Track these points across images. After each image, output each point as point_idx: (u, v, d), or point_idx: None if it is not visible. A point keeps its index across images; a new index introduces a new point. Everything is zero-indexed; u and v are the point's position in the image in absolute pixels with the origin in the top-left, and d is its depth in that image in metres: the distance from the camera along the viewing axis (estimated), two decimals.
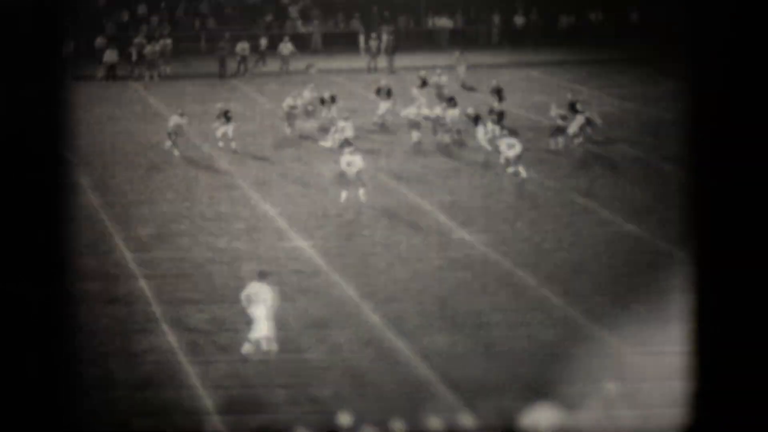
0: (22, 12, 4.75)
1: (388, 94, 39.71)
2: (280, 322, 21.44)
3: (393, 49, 51.67)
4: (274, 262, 25.41)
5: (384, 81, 41.31)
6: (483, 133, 34.79)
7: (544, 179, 32.68)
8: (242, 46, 50.95)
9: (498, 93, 39.29)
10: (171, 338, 21.22)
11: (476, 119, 35.31)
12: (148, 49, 50.34)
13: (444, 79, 43.10)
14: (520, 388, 18.73)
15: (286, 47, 51.50)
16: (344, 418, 15.08)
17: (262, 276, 20.96)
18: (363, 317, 22.26)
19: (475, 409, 17.75)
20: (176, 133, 35.47)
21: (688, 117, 5.67)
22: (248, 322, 20.64)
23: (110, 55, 49.92)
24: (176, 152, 35.18)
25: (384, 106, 39.25)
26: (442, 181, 32.61)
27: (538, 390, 16.99)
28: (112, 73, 49.67)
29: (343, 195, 30.22)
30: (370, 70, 50.81)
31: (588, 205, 29.99)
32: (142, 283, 24.28)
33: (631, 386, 17.26)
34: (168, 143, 35.50)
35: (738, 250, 5.32)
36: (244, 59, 50.67)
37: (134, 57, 50.32)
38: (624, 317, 21.98)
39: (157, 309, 22.74)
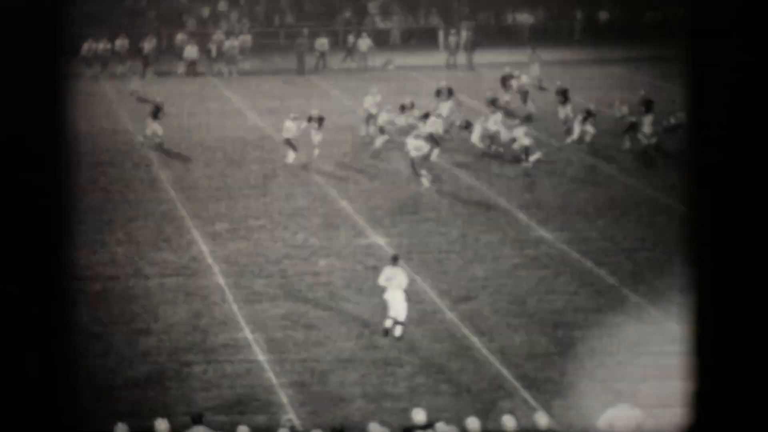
0: (20, 9, 4.64)
1: (449, 94, 38.96)
2: (360, 319, 21.33)
3: (473, 45, 51.27)
4: (350, 258, 25.29)
5: (444, 81, 40.49)
6: (478, 133, 34.74)
7: (625, 178, 32.19)
8: (321, 42, 50.93)
9: (563, 94, 38.52)
10: (247, 333, 21.17)
11: (468, 125, 35.25)
12: (227, 45, 50.53)
13: (524, 78, 42.29)
14: (599, 388, 18.38)
15: (365, 43, 51.37)
16: (419, 415, 14.88)
17: (394, 260, 21.35)
18: (439, 314, 22.04)
19: (552, 409, 17.45)
20: (291, 141, 33.20)
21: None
22: (384, 307, 20.78)
23: (190, 52, 50.18)
24: (292, 159, 33.13)
25: (445, 107, 38.05)
26: (520, 179, 32.27)
27: (618, 391, 16.63)
28: (192, 70, 49.93)
29: (424, 182, 30.60)
30: (450, 66, 50.45)
31: (670, 204, 29.45)
32: (219, 278, 24.28)
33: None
34: (292, 154, 33.11)
35: (740, 248, 5.05)
36: (322, 55, 50.62)
37: (214, 53, 50.54)
38: None
39: (233, 304, 22.71)
